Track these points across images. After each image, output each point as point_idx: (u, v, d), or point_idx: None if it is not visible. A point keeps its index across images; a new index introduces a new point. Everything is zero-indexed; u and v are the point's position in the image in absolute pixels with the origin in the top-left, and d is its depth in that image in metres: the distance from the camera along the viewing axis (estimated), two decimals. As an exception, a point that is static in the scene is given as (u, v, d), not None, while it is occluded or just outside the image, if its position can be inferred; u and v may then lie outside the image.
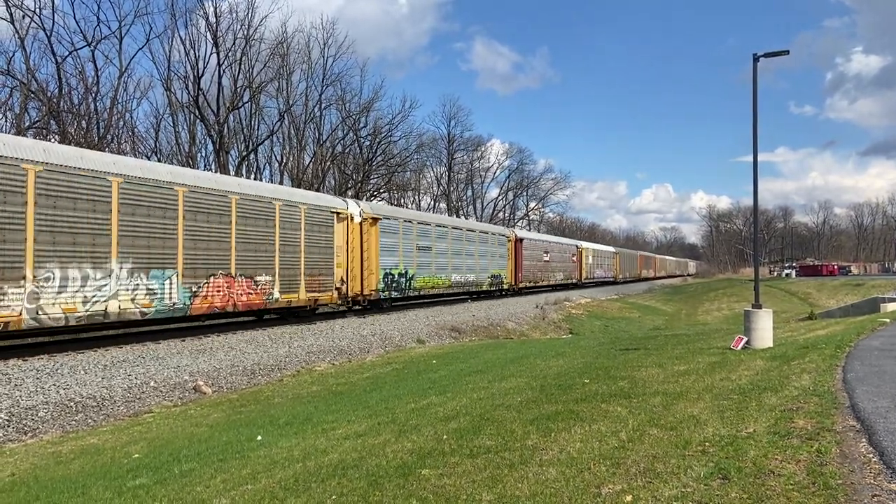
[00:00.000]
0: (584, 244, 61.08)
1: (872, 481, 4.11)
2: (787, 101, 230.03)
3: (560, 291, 46.93)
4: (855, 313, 29.84)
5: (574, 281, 53.90)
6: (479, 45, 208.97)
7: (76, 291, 13.08)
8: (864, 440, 4.93)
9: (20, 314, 12.06)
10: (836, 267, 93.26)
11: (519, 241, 41.65)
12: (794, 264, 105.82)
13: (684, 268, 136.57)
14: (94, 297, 13.45)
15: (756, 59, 12.24)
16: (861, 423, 5.37)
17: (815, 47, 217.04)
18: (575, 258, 54.90)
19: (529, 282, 43.30)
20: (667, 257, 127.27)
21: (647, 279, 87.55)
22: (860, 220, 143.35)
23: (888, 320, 15.11)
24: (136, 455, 7.75)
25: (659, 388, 7.86)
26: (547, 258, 47.07)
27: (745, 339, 11.24)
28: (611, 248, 73.97)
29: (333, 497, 4.78)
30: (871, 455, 4.59)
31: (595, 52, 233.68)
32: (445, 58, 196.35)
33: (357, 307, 23.91)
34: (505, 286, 38.99)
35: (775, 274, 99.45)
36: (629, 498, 4.17)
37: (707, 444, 5.17)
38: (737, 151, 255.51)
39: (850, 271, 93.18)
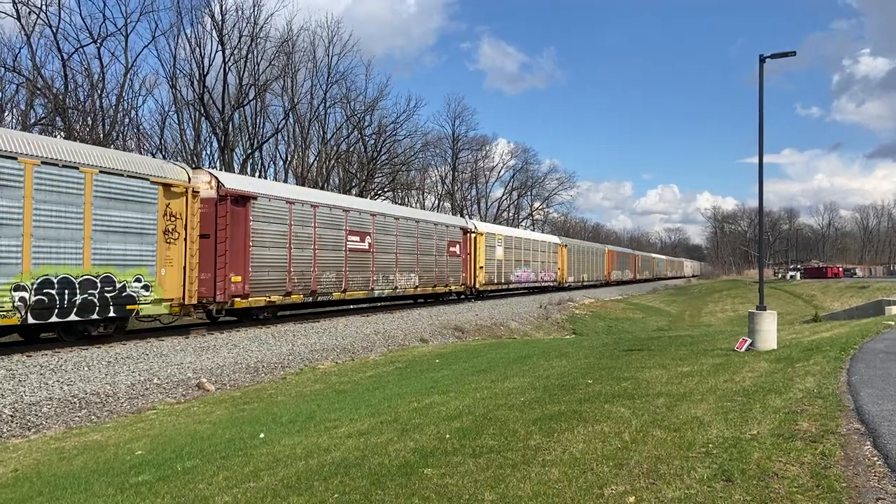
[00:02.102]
0: (483, 226, 36.25)
1: (877, 484, 4.09)
2: (794, 102, 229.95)
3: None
4: (860, 316, 29.74)
5: (449, 289, 30.51)
6: (486, 45, 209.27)
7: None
8: (868, 443, 4.91)
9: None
10: (840, 269, 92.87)
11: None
12: (798, 266, 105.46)
13: (678, 268, 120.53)
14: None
15: (762, 60, 12.20)
16: (865, 426, 5.35)
17: (822, 49, 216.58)
18: (459, 249, 30.94)
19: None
20: (655, 255, 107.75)
21: (620, 283, 68.82)
22: (865, 222, 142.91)
23: (893, 323, 15.04)
24: (139, 452, 7.77)
25: (662, 389, 7.84)
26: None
27: (749, 340, 11.20)
28: (549, 238, 48.70)
29: (336, 495, 4.78)
30: (875, 458, 4.57)
31: (602, 53, 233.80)
32: (453, 57, 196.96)
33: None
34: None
35: (780, 276, 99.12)
36: (632, 499, 4.16)
37: (710, 445, 5.15)
38: (743, 152, 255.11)
39: (855, 274, 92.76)
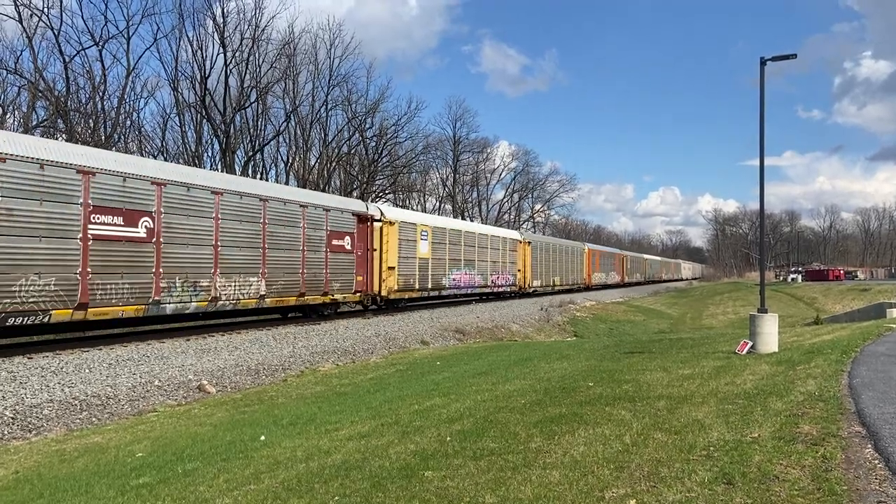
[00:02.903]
0: (395, 212, 28.54)
1: (878, 487, 4.09)
2: (795, 105, 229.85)
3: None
4: (861, 318, 29.71)
5: (332, 299, 21.93)
6: (487, 47, 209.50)
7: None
8: (869, 446, 4.91)
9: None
10: (842, 272, 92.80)
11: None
12: (800, 269, 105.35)
13: (675, 270, 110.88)
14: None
15: (763, 62, 12.21)
16: (867, 429, 5.34)
17: (823, 52, 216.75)
18: (351, 244, 22.64)
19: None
20: (647, 256, 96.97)
21: (604, 286, 59.40)
22: (867, 224, 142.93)
23: (894, 326, 15.02)
24: (140, 454, 7.77)
25: (663, 391, 7.83)
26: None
27: (750, 343, 11.19)
28: (505, 233, 40.36)
29: (336, 498, 4.78)
30: (876, 461, 4.57)
31: (604, 55, 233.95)
32: (455, 60, 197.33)
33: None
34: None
35: (781, 278, 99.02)
36: (633, 502, 4.15)
37: (712, 448, 5.15)
38: (745, 155, 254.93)
39: (857, 276, 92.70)
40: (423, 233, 28.21)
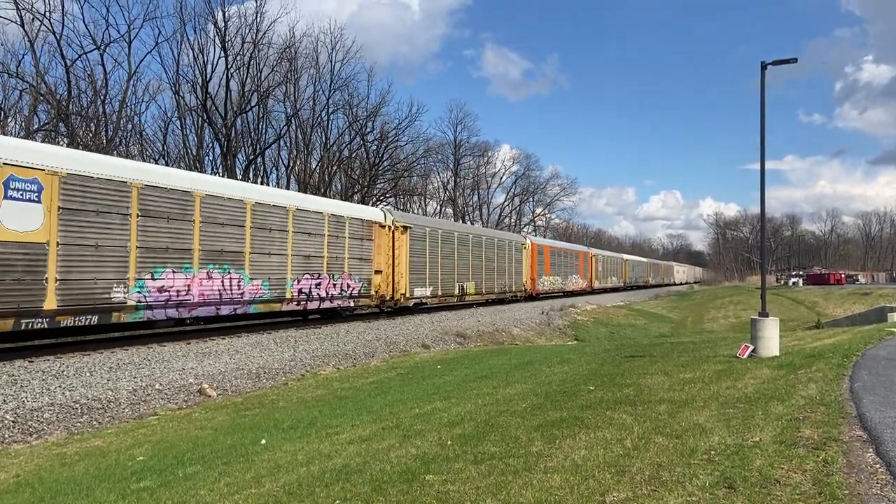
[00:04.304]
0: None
1: (879, 492, 4.08)
2: (796, 109, 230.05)
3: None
4: (862, 322, 29.67)
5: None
6: (490, 52, 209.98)
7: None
8: (871, 450, 4.90)
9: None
10: (843, 275, 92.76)
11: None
12: (801, 272, 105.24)
13: (665, 274, 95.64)
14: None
15: (764, 67, 12.22)
16: (868, 433, 5.34)
17: (825, 56, 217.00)
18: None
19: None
20: (627, 256, 78.03)
21: (562, 294, 45.65)
22: (868, 228, 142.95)
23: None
24: (141, 458, 7.76)
25: (664, 395, 7.82)
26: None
27: (751, 347, 11.18)
28: (345, 209, 22.94)
29: (337, 502, 4.78)
30: (877, 465, 4.56)
31: (606, 59, 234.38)
32: (457, 64, 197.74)
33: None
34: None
35: (782, 282, 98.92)
36: (634, 506, 4.15)
37: (713, 452, 5.14)
38: (746, 159, 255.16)
39: (858, 280, 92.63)
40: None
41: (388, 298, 24.01)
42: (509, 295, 36.23)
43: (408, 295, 25.19)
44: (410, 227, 25.63)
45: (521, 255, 38.24)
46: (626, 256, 75.78)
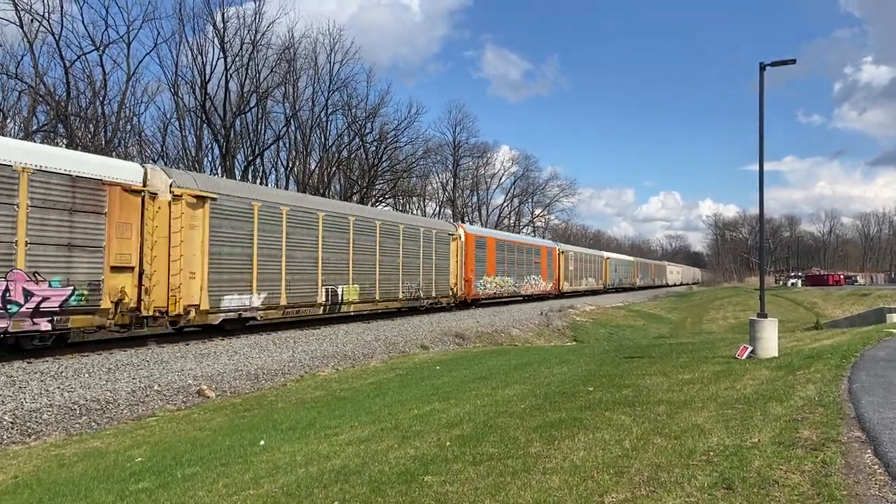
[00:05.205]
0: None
1: (877, 492, 4.09)
2: (796, 110, 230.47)
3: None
4: (861, 323, 29.68)
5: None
6: (490, 53, 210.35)
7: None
8: (869, 451, 4.90)
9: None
10: (842, 276, 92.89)
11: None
12: (800, 273, 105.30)
13: (657, 274, 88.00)
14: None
15: (763, 67, 12.22)
16: (866, 434, 5.34)
17: (824, 57, 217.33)
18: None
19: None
20: (609, 254, 67.65)
21: (513, 300, 38.76)
22: (867, 229, 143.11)
23: (894, 331, 15.01)
24: (139, 459, 7.76)
25: (663, 396, 7.83)
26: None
27: (750, 348, 11.18)
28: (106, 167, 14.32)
29: (336, 503, 4.78)
30: (876, 466, 4.57)
31: (605, 61, 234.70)
32: (457, 65, 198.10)
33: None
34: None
35: (781, 283, 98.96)
36: (632, 507, 4.15)
37: (711, 453, 5.14)
38: (745, 160, 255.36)
39: (857, 281, 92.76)
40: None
41: (142, 311, 14.57)
42: (426, 302, 27.45)
43: (203, 306, 16.24)
44: (212, 199, 16.46)
45: (447, 249, 29.52)
46: (606, 254, 65.11)
